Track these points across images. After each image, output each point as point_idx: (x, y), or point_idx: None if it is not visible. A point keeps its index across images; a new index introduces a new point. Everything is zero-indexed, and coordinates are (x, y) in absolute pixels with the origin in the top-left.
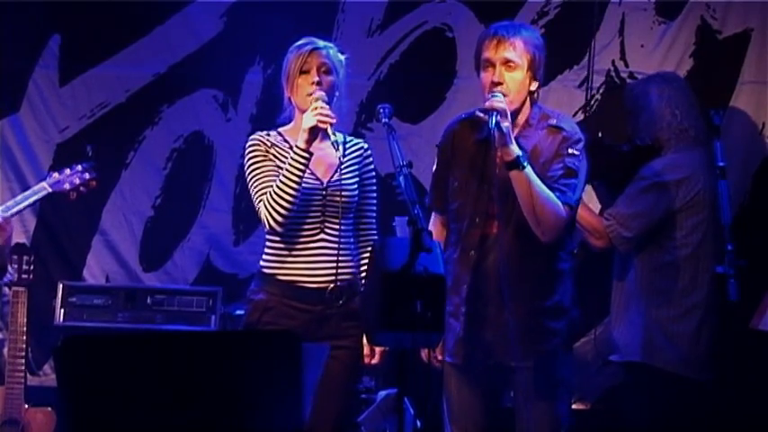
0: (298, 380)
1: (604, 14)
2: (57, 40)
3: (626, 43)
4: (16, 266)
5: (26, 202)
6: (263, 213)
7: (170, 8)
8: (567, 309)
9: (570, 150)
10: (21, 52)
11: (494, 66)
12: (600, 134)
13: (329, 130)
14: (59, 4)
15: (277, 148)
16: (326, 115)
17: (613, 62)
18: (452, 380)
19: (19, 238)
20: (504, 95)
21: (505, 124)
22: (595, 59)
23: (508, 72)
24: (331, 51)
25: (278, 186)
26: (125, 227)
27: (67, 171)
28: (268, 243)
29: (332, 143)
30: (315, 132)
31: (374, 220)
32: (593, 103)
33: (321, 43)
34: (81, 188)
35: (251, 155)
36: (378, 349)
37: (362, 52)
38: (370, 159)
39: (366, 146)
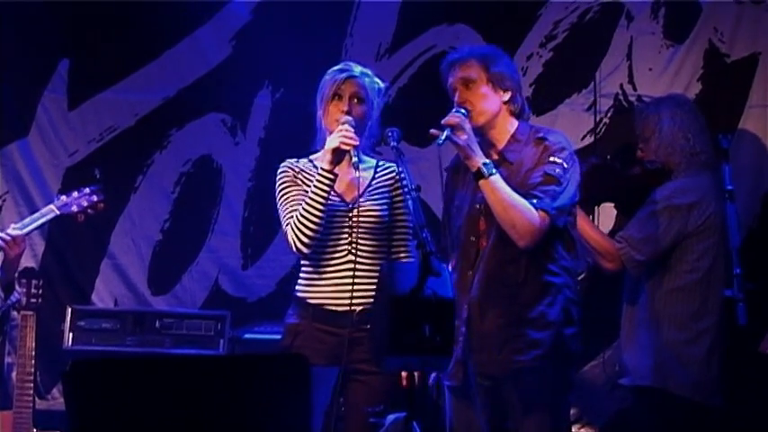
0: (306, 403)
1: (612, 38)
2: (65, 65)
3: (634, 67)
4: (25, 290)
5: (34, 224)
6: (290, 236)
7: (179, 32)
8: (553, 322)
9: (552, 159)
10: (30, 76)
11: (455, 90)
12: (608, 156)
13: (351, 152)
14: (68, 28)
15: (305, 174)
16: (350, 137)
17: (621, 86)
18: (451, 403)
19: (28, 262)
20: (469, 110)
21: (462, 137)
22: (603, 83)
23: (468, 90)
24: (367, 80)
25: (303, 209)
26: (133, 251)
27: (75, 193)
28: (302, 266)
29: (352, 164)
30: (338, 154)
31: (406, 243)
32: (601, 126)
33: (358, 70)
34: (89, 210)
35: (279, 182)
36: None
37: None
38: (404, 183)
39: (400, 169)
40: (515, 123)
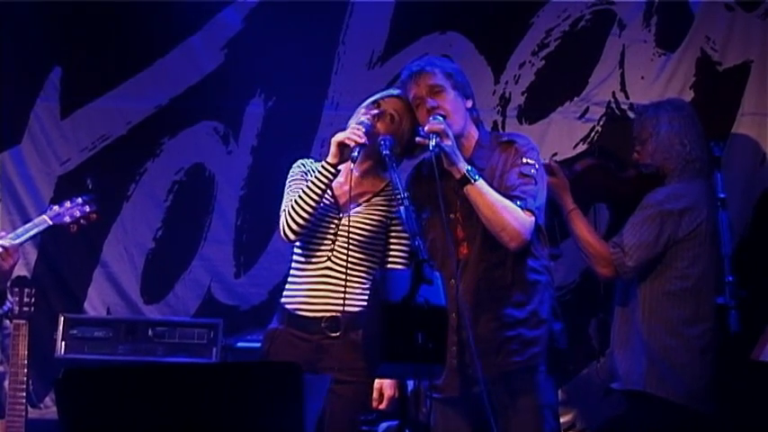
0: (299, 411)
1: (605, 46)
2: (58, 73)
3: (626, 75)
4: (17, 299)
5: (27, 235)
6: (282, 221)
7: (171, 41)
8: (545, 320)
9: (524, 159)
10: (22, 85)
11: (423, 99)
12: (604, 158)
13: (354, 152)
14: (61, 36)
15: (314, 173)
16: (357, 135)
17: (614, 94)
18: (439, 416)
19: (20, 270)
20: (444, 117)
21: (448, 143)
22: (595, 91)
23: (438, 97)
24: (401, 102)
25: (299, 195)
26: (126, 259)
27: (68, 204)
28: (290, 272)
29: (350, 157)
30: (342, 149)
31: (399, 265)
32: (593, 134)
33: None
34: (81, 221)
35: (290, 175)
36: (386, 394)
37: (363, 84)
38: (396, 191)
39: (393, 177)
40: (477, 130)
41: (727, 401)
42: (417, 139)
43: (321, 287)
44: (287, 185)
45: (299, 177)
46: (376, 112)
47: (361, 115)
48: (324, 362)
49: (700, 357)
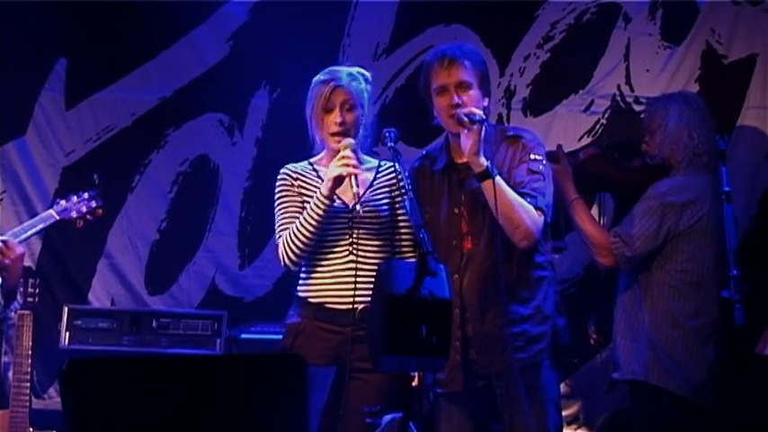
0: (303, 403)
1: (610, 39)
2: (63, 64)
3: (631, 68)
4: (22, 290)
5: (34, 230)
6: (281, 251)
7: (176, 32)
8: (550, 315)
9: (532, 156)
10: (27, 76)
11: (448, 90)
12: (608, 148)
13: (352, 181)
14: (66, 27)
15: (302, 180)
16: (353, 166)
17: (619, 87)
18: (443, 411)
19: (24, 261)
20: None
21: (482, 132)
22: (600, 84)
23: (464, 93)
24: (354, 85)
25: (297, 228)
26: (130, 250)
27: (74, 198)
28: (303, 267)
29: (354, 194)
30: (339, 181)
31: (406, 241)
32: (598, 127)
33: (344, 77)
34: (87, 216)
35: (277, 191)
36: None
37: None
38: (401, 183)
39: (399, 170)
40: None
41: (731, 395)
42: (460, 117)
43: (350, 279)
44: (276, 202)
45: (286, 193)
46: (339, 120)
47: (325, 126)
48: (357, 352)
49: (701, 350)
